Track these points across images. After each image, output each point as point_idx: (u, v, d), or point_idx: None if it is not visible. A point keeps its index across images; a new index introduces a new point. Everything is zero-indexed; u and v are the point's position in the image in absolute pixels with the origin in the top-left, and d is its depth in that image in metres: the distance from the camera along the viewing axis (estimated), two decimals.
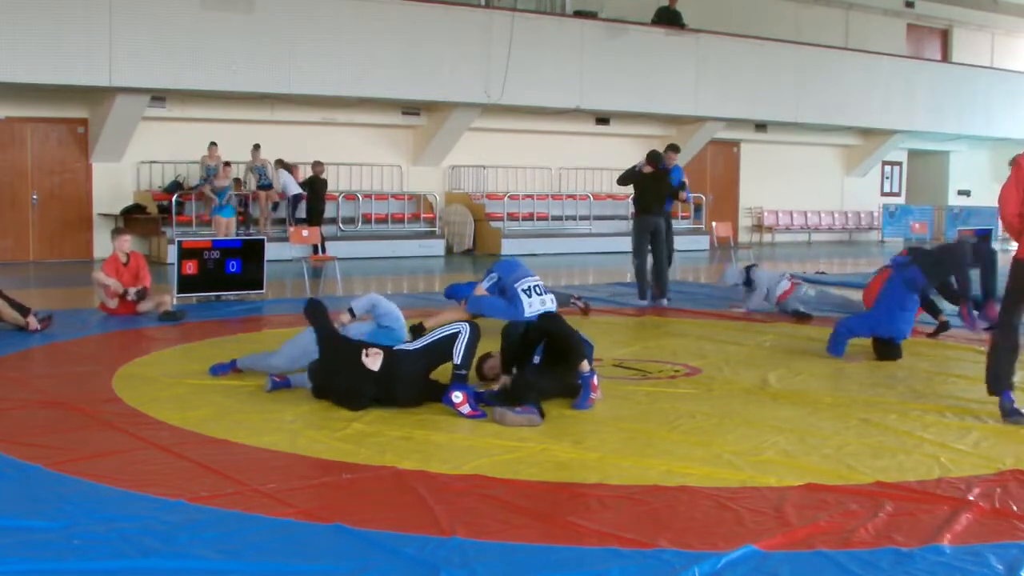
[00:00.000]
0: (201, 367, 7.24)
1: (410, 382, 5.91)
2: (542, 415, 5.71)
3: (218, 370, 6.99)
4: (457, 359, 5.83)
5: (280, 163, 17.62)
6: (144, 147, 17.57)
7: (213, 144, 17.18)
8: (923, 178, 29.09)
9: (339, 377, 5.96)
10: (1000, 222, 6.26)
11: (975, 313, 7.57)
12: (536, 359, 6.32)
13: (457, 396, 5.75)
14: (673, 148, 12.48)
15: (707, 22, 21.82)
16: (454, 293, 9.30)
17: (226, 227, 16.08)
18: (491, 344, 6.77)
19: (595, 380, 6.16)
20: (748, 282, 10.86)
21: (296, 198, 17.44)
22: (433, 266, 17.45)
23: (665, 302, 11.45)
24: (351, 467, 4.82)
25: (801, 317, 10.19)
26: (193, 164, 17.74)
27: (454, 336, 5.88)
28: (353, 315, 6.68)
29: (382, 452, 5.07)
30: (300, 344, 6.72)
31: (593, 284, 14.08)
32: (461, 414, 5.76)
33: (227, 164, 16.65)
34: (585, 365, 6.11)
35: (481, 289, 8.59)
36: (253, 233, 16.75)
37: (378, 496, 4.44)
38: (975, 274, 8.23)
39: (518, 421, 5.61)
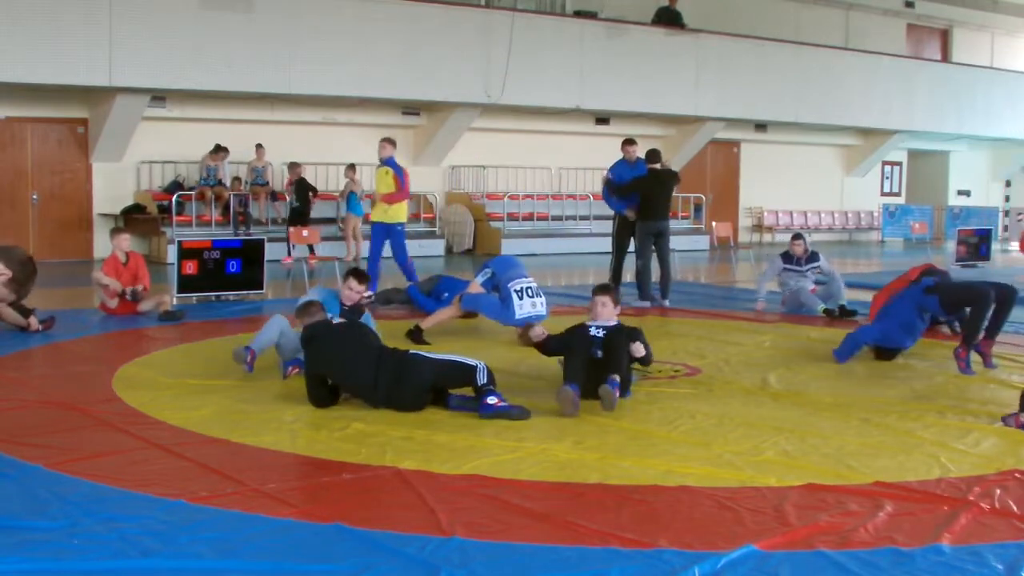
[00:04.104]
0: (201, 367, 7.24)
1: (415, 388, 5.92)
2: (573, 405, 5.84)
3: (242, 355, 6.86)
4: (483, 380, 5.88)
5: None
6: (144, 147, 17.56)
7: (221, 147, 17.22)
8: (923, 178, 29.09)
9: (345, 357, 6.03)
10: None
11: (971, 359, 7.52)
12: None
13: (492, 399, 5.80)
14: (630, 141, 12.27)
15: (707, 22, 21.82)
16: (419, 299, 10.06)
17: (354, 225, 16.78)
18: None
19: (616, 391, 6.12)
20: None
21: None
22: (433, 266, 17.40)
23: (667, 303, 11.45)
24: (351, 467, 4.82)
25: (831, 313, 10.42)
26: (193, 164, 17.77)
27: (472, 370, 5.91)
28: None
29: (382, 452, 5.07)
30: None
31: (593, 284, 14.05)
32: (492, 406, 5.79)
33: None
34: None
35: (476, 285, 8.65)
36: (253, 233, 16.74)
37: (378, 496, 4.44)
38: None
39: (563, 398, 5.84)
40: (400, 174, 11.66)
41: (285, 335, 6.95)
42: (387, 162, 11.75)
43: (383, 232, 11.80)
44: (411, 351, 6.17)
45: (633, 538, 3.86)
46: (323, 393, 6.05)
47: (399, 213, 11.80)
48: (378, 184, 11.92)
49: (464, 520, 4.03)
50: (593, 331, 6.47)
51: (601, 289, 6.85)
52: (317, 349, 6.05)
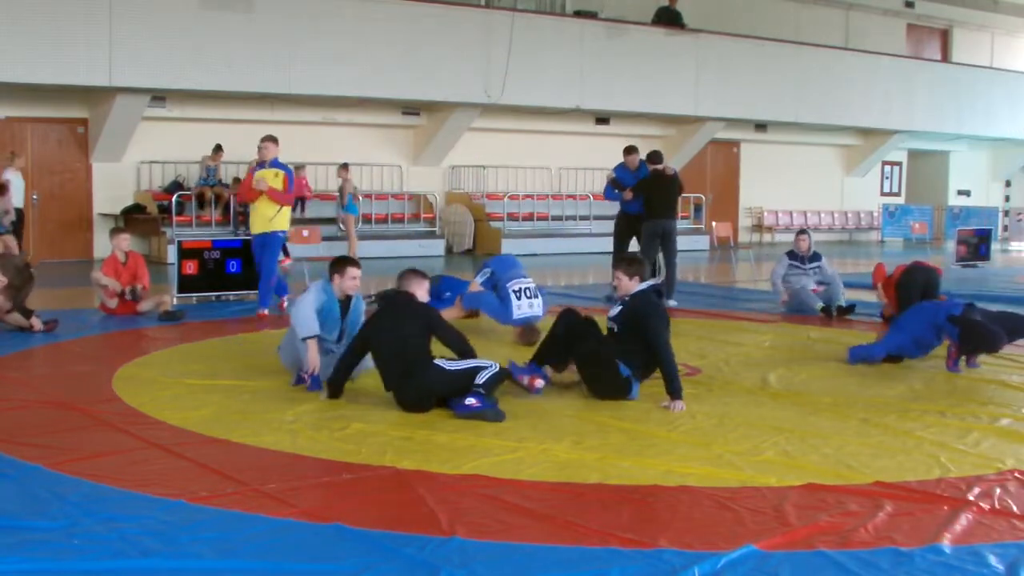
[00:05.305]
0: (201, 367, 7.24)
1: (419, 389, 5.96)
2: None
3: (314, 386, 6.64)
4: (480, 381, 5.91)
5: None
6: (144, 147, 17.57)
7: (221, 148, 17.21)
8: (923, 178, 29.09)
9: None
10: None
11: (962, 360, 7.53)
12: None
13: (471, 400, 5.84)
14: (632, 150, 12.31)
15: (707, 22, 21.82)
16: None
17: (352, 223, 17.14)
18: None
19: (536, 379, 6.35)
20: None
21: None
22: (433, 266, 17.40)
23: (673, 303, 11.42)
24: (351, 467, 4.82)
25: (829, 312, 10.47)
26: (193, 164, 17.76)
27: (479, 368, 6.00)
28: None
29: (382, 452, 5.08)
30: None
31: (593, 284, 14.07)
32: (468, 407, 5.83)
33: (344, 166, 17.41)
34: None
35: (476, 284, 8.78)
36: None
37: (378, 496, 4.44)
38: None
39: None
40: (290, 176, 10.33)
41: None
42: (273, 163, 10.34)
43: (273, 242, 10.35)
44: (435, 359, 6.07)
45: (633, 538, 3.86)
46: (349, 363, 6.24)
47: (283, 221, 10.37)
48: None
49: (464, 520, 4.03)
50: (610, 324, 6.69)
51: (615, 263, 7.17)
52: (374, 315, 6.27)
